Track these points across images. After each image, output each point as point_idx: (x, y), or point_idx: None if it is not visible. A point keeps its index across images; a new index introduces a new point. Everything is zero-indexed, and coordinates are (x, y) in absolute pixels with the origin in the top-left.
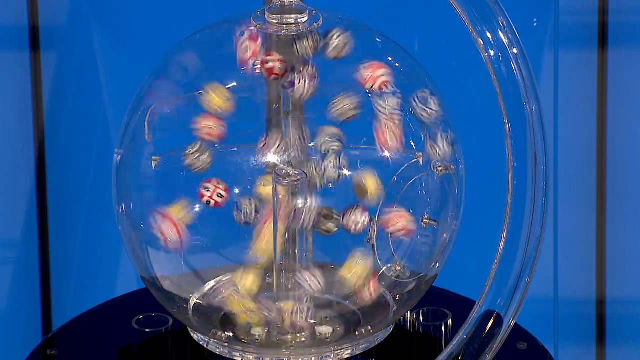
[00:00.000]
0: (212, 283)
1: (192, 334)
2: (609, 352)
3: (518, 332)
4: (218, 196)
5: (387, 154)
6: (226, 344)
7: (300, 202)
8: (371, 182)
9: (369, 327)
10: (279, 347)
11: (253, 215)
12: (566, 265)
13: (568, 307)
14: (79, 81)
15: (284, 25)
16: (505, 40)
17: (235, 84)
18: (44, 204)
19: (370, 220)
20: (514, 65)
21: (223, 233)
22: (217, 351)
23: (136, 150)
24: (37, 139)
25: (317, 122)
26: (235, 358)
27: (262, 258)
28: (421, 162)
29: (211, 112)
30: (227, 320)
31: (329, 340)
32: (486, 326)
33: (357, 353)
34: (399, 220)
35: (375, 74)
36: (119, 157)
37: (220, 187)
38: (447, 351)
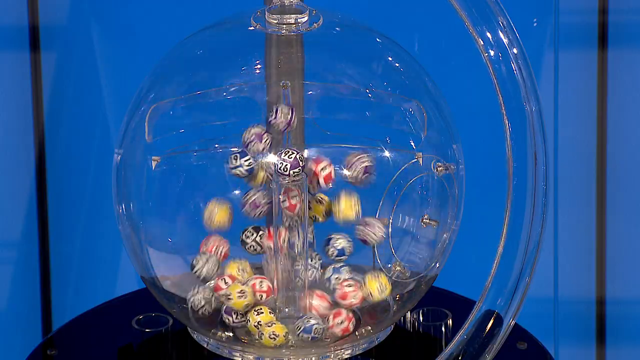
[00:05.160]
0: (212, 283)
1: (192, 334)
2: (609, 352)
3: (518, 332)
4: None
5: (387, 153)
6: (226, 344)
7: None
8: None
9: (369, 327)
10: (279, 347)
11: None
12: (566, 265)
13: (568, 307)
14: (79, 81)
15: (284, 25)
16: (505, 40)
17: (234, 84)
18: (44, 204)
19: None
20: (514, 65)
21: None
22: (217, 351)
23: (136, 150)
24: (37, 139)
25: (317, 122)
26: (235, 358)
27: None
28: (421, 162)
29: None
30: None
31: (329, 340)
32: (486, 326)
33: (357, 353)
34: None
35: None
36: (119, 157)
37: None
38: (447, 351)
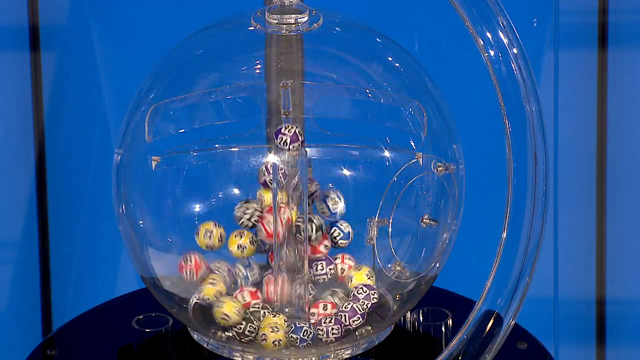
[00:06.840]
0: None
1: (192, 334)
2: (609, 352)
3: (518, 332)
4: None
5: (387, 153)
6: (226, 344)
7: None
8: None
9: (369, 327)
10: (279, 347)
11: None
12: (566, 265)
13: (568, 307)
14: (79, 81)
15: (284, 25)
16: (505, 40)
17: (234, 84)
18: (44, 204)
19: (370, 220)
20: (514, 65)
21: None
22: (217, 351)
23: (136, 150)
24: (37, 139)
25: (317, 122)
26: (235, 358)
27: None
28: (421, 162)
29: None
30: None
31: (329, 340)
32: (486, 326)
33: (357, 353)
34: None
35: None
36: (119, 157)
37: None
38: (447, 351)
